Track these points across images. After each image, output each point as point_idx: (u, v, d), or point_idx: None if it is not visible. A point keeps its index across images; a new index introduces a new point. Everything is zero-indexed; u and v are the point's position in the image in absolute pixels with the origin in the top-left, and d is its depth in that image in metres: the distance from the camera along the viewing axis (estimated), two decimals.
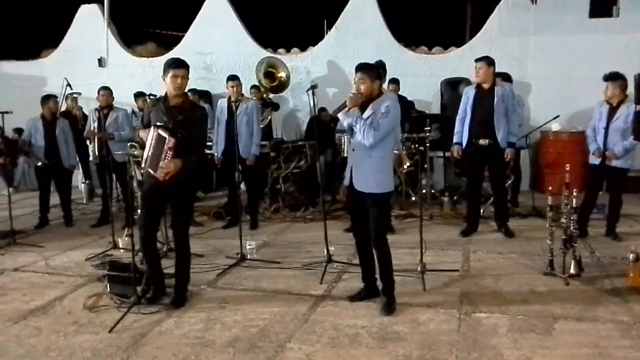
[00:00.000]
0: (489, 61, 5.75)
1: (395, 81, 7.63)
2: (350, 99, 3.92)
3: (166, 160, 3.95)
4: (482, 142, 5.79)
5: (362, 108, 3.93)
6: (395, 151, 7.15)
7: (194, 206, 4.60)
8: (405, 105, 7.17)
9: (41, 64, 10.77)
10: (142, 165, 4.24)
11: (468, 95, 5.90)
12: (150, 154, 4.10)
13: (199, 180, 4.42)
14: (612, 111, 5.69)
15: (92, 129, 6.89)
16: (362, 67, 3.95)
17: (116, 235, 5.90)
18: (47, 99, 7.10)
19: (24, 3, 11.27)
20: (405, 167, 6.25)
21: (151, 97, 7.92)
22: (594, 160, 5.78)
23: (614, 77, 5.65)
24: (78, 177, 9.27)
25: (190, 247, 4.43)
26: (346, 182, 4.08)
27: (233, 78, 6.58)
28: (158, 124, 4.09)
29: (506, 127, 5.77)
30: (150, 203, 4.26)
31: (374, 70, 3.96)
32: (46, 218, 7.25)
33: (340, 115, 4.01)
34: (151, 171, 4.06)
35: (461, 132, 5.96)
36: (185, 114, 4.14)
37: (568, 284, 4.50)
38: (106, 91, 6.88)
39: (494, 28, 8.83)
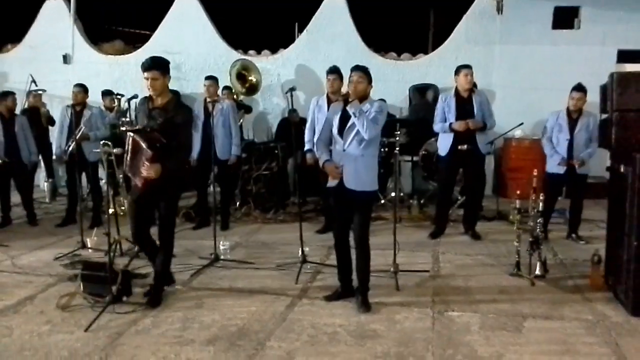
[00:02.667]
0: (472, 69, 5.92)
1: None
2: (352, 91, 4.01)
3: (145, 166, 3.96)
4: (460, 147, 5.91)
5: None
6: None
7: (177, 205, 4.56)
8: None
9: (2, 59, 10.45)
10: (124, 168, 4.25)
11: (448, 103, 5.97)
12: (129, 159, 4.11)
13: (182, 179, 4.39)
14: (573, 122, 5.96)
15: (62, 126, 6.81)
16: (360, 68, 4.09)
17: (85, 235, 5.82)
18: (5, 95, 6.96)
19: None
20: None
21: (118, 96, 7.86)
22: (557, 169, 5.99)
23: (584, 89, 5.93)
24: (40, 176, 9.07)
25: (173, 246, 4.42)
26: (332, 182, 4.14)
27: (209, 78, 6.60)
28: (136, 128, 4.11)
29: (484, 133, 5.97)
30: (139, 207, 4.25)
31: (369, 74, 4.10)
32: (8, 217, 7.08)
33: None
34: (131, 176, 4.08)
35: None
36: (168, 115, 4.11)
37: (534, 284, 4.68)
38: (80, 88, 6.76)
39: (461, 36, 9.06)
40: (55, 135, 7.03)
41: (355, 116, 3.98)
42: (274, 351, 3.51)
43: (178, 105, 4.28)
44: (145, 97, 4.26)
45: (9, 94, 7.00)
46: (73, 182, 6.69)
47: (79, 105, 6.71)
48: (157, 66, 4.09)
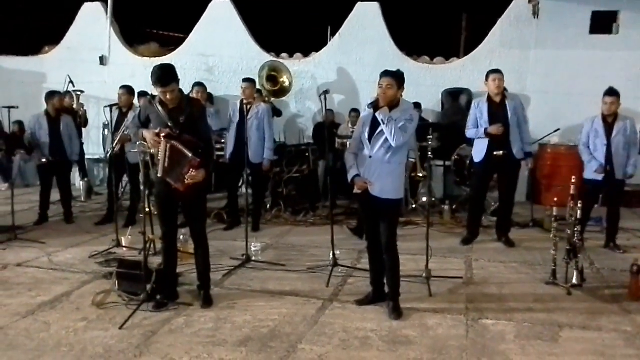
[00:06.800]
0: (502, 73, 5.84)
1: None
2: (382, 97, 3.98)
3: (191, 172, 3.98)
4: (496, 153, 5.83)
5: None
6: (411, 159, 7.24)
7: (206, 203, 4.55)
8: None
9: (42, 60, 10.72)
10: (159, 174, 4.14)
11: (481, 109, 5.90)
12: (167, 165, 4.06)
13: (210, 177, 4.40)
14: (609, 127, 5.82)
15: (109, 127, 6.93)
16: (390, 74, 4.02)
17: (119, 234, 5.91)
18: (52, 95, 7.07)
19: None
20: (420, 174, 6.37)
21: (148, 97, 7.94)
22: (595, 176, 5.84)
23: (617, 92, 5.77)
24: (75, 175, 9.25)
25: (208, 244, 4.45)
26: (358, 190, 4.10)
27: (246, 80, 6.58)
28: (167, 133, 4.02)
29: (519, 138, 5.85)
30: (167, 206, 4.28)
31: (400, 79, 4.03)
32: (46, 215, 7.21)
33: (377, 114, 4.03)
34: (172, 182, 4.08)
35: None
36: (185, 113, 4.11)
37: (570, 293, 4.58)
38: (124, 90, 6.79)
39: (496, 40, 8.96)
40: (105, 135, 7.07)
41: (383, 123, 3.96)
42: (305, 354, 3.51)
43: (189, 100, 4.30)
44: (151, 100, 4.20)
45: (55, 94, 7.12)
46: (112, 182, 6.77)
47: (125, 106, 6.75)
48: (173, 78, 4.02)
